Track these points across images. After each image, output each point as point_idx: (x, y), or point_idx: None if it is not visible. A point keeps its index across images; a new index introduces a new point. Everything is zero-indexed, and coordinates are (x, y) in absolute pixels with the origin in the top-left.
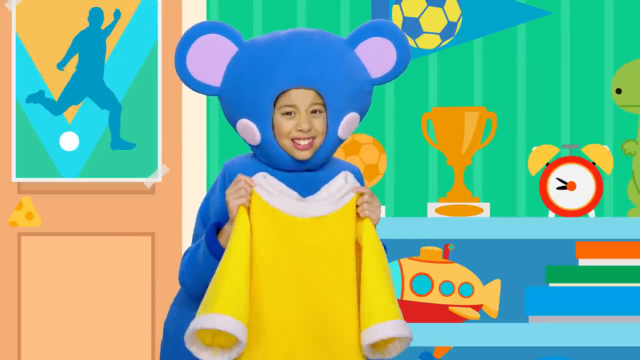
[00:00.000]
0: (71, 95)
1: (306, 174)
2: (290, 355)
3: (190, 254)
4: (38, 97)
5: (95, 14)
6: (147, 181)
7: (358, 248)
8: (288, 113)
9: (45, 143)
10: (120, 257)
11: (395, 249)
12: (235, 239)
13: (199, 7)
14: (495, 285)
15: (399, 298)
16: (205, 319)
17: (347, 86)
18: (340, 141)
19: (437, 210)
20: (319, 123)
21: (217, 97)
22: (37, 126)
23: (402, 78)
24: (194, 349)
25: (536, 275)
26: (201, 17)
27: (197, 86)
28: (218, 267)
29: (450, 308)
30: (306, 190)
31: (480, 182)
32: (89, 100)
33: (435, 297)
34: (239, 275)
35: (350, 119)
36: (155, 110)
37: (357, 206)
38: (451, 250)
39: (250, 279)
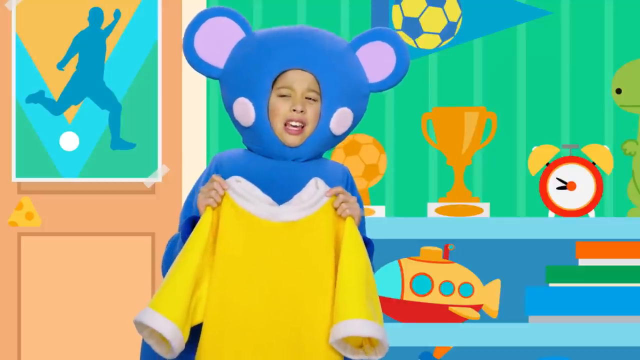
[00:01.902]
0: (71, 95)
1: (294, 164)
2: (259, 356)
3: (170, 245)
4: (38, 97)
5: (95, 14)
6: (147, 181)
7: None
8: (284, 95)
9: (45, 143)
10: (120, 257)
11: (395, 249)
12: (192, 240)
13: (199, 7)
14: (495, 285)
15: (399, 298)
16: (143, 312)
17: (344, 81)
18: (333, 136)
19: (437, 210)
20: (312, 110)
21: (218, 80)
22: (37, 126)
23: None
24: (144, 335)
25: (536, 275)
26: None
27: (201, 65)
28: (174, 264)
29: (450, 308)
30: (288, 182)
31: (480, 182)
32: (89, 100)
33: (435, 297)
34: (182, 277)
35: (343, 113)
36: (155, 110)
37: (336, 208)
38: (451, 250)
39: (212, 279)
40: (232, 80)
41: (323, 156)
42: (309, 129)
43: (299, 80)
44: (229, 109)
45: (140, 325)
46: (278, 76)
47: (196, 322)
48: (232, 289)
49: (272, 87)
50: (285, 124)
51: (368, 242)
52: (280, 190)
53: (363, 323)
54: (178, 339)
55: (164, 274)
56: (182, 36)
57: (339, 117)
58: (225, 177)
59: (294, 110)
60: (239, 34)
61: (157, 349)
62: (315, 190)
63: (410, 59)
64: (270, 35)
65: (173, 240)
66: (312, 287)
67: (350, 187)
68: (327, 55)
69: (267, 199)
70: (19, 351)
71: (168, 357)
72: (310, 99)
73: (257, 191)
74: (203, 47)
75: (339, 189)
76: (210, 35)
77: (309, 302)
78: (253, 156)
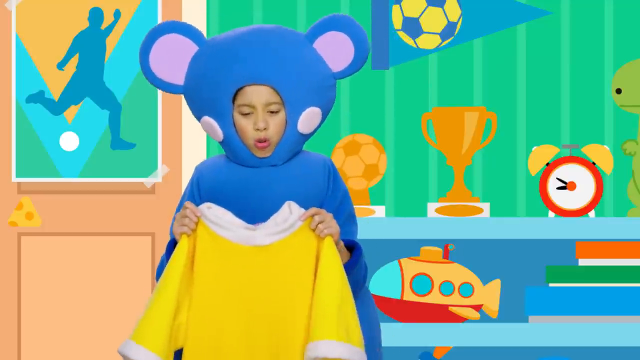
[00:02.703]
0: (71, 95)
1: (272, 169)
2: None
3: (160, 265)
4: (38, 97)
5: (95, 14)
6: (147, 181)
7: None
8: (246, 113)
9: (45, 143)
10: (120, 257)
11: (395, 249)
12: (169, 267)
13: (199, 7)
14: (495, 285)
15: (399, 298)
16: (124, 344)
17: (305, 80)
18: (303, 136)
19: (437, 210)
20: (275, 122)
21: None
22: (37, 126)
23: (402, 78)
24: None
25: (536, 275)
26: (201, 17)
27: (162, 85)
28: (156, 288)
29: (450, 308)
30: (267, 187)
31: (480, 182)
32: (89, 100)
33: (435, 297)
34: (162, 306)
35: (310, 114)
36: (155, 110)
37: (313, 230)
38: (451, 250)
39: (189, 306)
40: (193, 99)
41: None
42: (275, 140)
43: (257, 96)
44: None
45: (124, 357)
46: (237, 92)
47: (179, 346)
48: (209, 313)
49: (234, 104)
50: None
51: (355, 246)
52: (261, 197)
53: (330, 344)
54: None
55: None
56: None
57: (306, 117)
58: (207, 188)
59: (257, 129)
60: (191, 48)
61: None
62: (288, 214)
63: (410, 59)
64: (221, 47)
65: (161, 261)
66: (289, 310)
67: (332, 179)
68: (281, 63)
69: (241, 222)
70: (19, 351)
71: None
72: (272, 111)
73: (229, 215)
74: (159, 66)
75: (313, 210)
76: (163, 55)
77: (286, 324)
78: (231, 164)
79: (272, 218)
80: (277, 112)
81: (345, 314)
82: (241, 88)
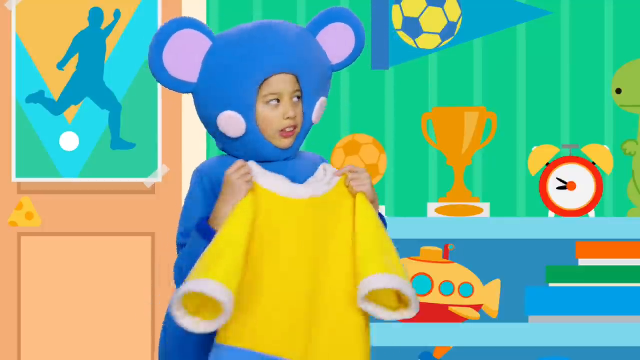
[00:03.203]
0: (71, 95)
1: (279, 164)
2: (292, 325)
3: (189, 256)
4: (38, 97)
5: (95, 14)
6: (147, 181)
7: None
8: (272, 102)
9: (45, 143)
10: (120, 257)
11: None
12: (237, 215)
13: (199, 7)
14: (495, 285)
15: None
16: (198, 282)
17: (318, 71)
18: (311, 126)
19: (437, 210)
20: (300, 111)
21: (191, 94)
22: (37, 126)
23: (402, 78)
24: (179, 315)
25: (536, 275)
26: (201, 17)
27: (174, 84)
28: (217, 238)
29: (450, 308)
30: (290, 179)
31: (480, 182)
32: (89, 100)
33: (435, 297)
34: (237, 247)
35: (322, 104)
36: (155, 110)
37: (347, 187)
38: (451, 250)
39: (249, 255)
40: (213, 94)
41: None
42: (299, 129)
43: (284, 85)
44: (210, 122)
45: (182, 301)
46: (261, 83)
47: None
48: (263, 261)
49: (257, 95)
50: (281, 130)
51: (382, 218)
52: None
53: (382, 277)
54: (230, 310)
55: (179, 284)
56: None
57: (319, 108)
58: (217, 186)
59: (288, 117)
60: (205, 43)
61: (185, 321)
62: (324, 173)
63: (410, 59)
64: (242, 39)
65: (189, 254)
66: (328, 259)
67: None
68: (302, 53)
69: (285, 179)
70: (19, 351)
71: (202, 329)
72: (295, 98)
73: (272, 173)
74: (173, 64)
75: (348, 167)
76: (178, 51)
77: (337, 270)
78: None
79: (311, 178)
80: (299, 100)
81: (389, 251)
82: (266, 79)
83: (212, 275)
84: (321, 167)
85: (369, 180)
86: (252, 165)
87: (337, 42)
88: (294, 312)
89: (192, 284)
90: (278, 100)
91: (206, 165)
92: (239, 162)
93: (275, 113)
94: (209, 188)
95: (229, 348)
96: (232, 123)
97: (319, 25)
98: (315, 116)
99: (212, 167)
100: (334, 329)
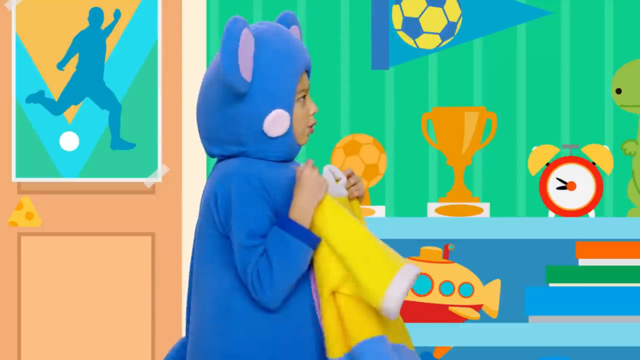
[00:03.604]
0: (71, 95)
1: (292, 163)
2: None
3: (276, 249)
4: (38, 97)
5: (95, 14)
6: (147, 181)
7: None
8: (301, 99)
9: (45, 143)
10: (120, 257)
11: (395, 249)
12: (347, 221)
13: (199, 7)
14: (495, 285)
15: None
16: (413, 266)
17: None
18: None
19: (437, 210)
20: None
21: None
22: (37, 126)
23: (402, 78)
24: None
25: (536, 275)
26: (201, 17)
27: (239, 83)
28: (362, 240)
29: (450, 308)
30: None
31: (480, 182)
32: (89, 100)
33: (435, 297)
34: (376, 244)
35: None
36: (155, 110)
37: (347, 189)
38: (451, 250)
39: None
40: (265, 93)
41: None
42: None
43: (306, 81)
44: (254, 122)
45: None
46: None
47: None
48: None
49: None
50: (309, 125)
51: None
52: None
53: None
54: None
55: (289, 276)
56: (224, 52)
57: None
58: (279, 187)
59: (314, 113)
60: (252, 41)
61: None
62: (331, 175)
63: (410, 59)
64: (280, 39)
65: (280, 254)
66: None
67: None
68: None
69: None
70: (19, 351)
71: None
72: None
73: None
74: (243, 62)
75: (350, 170)
76: (243, 50)
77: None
78: (267, 164)
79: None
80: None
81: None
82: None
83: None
84: (326, 168)
85: (363, 186)
86: (327, 170)
87: None
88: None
89: (413, 268)
90: (303, 97)
91: (245, 169)
92: (311, 161)
93: (304, 110)
94: (260, 188)
95: (377, 339)
96: (279, 121)
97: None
98: None
99: (254, 170)
100: None
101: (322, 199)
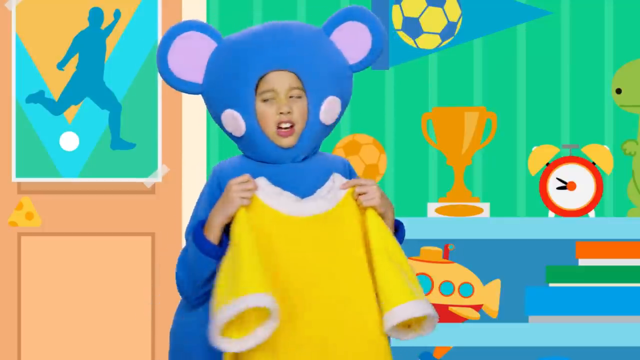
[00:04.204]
0: (71, 95)
1: (293, 165)
2: (322, 341)
3: (182, 256)
4: (38, 97)
5: (95, 14)
6: (147, 181)
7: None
8: (268, 99)
9: (45, 143)
10: (120, 257)
11: None
12: (241, 230)
13: (199, 7)
14: (495, 285)
15: None
16: (236, 302)
17: (325, 68)
18: (325, 127)
19: (437, 210)
20: (298, 107)
21: (201, 95)
22: (37, 126)
23: (402, 78)
24: (223, 345)
25: (536, 275)
26: (201, 17)
27: (180, 84)
28: (228, 258)
29: (450, 308)
30: (293, 183)
31: (480, 182)
32: (89, 100)
33: (435, 297)
34: (255, 258)
35: (331, 102)
36: (155, 110)
37: (356, 201)
38: (451, 250)
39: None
40: (214, 94)
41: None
42: (299, 127)
43: (280, 81)
44: (218, 121)
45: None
46: (259, 81)
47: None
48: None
49: (256, 93)
50: (277, 127)
51: (399, 226)
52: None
53: (408, 306)
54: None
55: (183, 288)
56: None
57: (328, 106)
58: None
59: (281, 112)
60: (210, 45)
61: (232, 346)
62: (332, 185)
63: (410, 59)
64: (242, 40)
65: (185, 250)
66: (350, 275)
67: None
68: (302, 50)
69: (291, 195)
70: (19, 351)
71: (251, 344)
72: (294, 96)
73: (280, 189)
74: (178, 65)
75: (354, 180)
76: (182, 53)
77: (349, 288)
78: (252, 163)
79: (318, 191)
80: (299, 98)
81: (407, 273)
82: (263, 76)
83: (245, 291)
84: (331, 177)
85: (378, 192)
86: (261, 181)
87: (352, 41)
88: (304, 329)
89: (232, 305)
90: (273, 98)
91: (224, 164)
92: (245, 176)
93: (271, 109)
94: (216, 189)
95: None
96: (232, 122)
97: (333, 23)
98: (324, 116)
99: (225, 169)
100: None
101: (236, 213)
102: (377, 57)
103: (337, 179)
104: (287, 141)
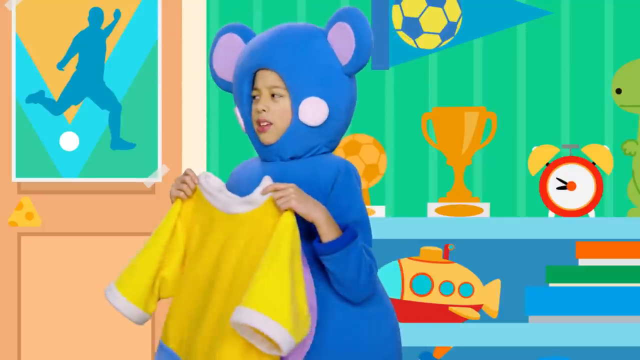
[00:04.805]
0: (71, 95)
1: (282, 164)
2: (190, 333)
3: None
4: (38, 97)
5: (95, 14)
6: (147, 181)
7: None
8: (255, 97)
9: (45, 143)
10: (121, 257)
11: (395, 249)
12: (160, 227)
13: (199, 7)
14: (495, 285)
15: (399, 298)
16: (109, 288)
17: (310, 70)
18: (309, 128)
19: (437, 210)
20: (278, 106)
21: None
22: (37, 126)
23: (402, 78)
24: (109, 293)
25: (536, 275)
26: (201, 17)
27: (222, 84)
28: (146, 242)
29: (450, 308)
30: (280, 181)
31: (480, 182)
32: (89, 100)
33: (435, 297)
34: (145, 260)
35: (312, 103)
36: (155, 110)
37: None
38: (451, 250)
39: (178, 264)
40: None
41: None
42: (280, 126)
43: (262, 80)
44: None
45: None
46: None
47: (161, 297)
48: (188, 272)
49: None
50: (258, 123)
51: (351, 234)
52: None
53: (251, 314)
54: (136, 316)
55: None
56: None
57: (308, 107)
58: (231, 181)
59: (257, 110)
60: (241, 46)
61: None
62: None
63: (410, 59)
64: (250, 43)
65: None
66: (243, 278)
67: (340, 183)
68: (284, 50)
69: (229, 193)
70: (19, 351)
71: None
72: (276, 95)
73: (222, 187)
74: (219, 66)
75: (272, 185)
76: (221, 54)
77: (237, 291)
78: (257, 161)
79: (252, 192)
80: (280, 97)
81: (279, 284)
82: (255, 77)
83: (120, 287)
84: (263, 180)
85: (296, 195)
86: (202, 177)
87: (341, 42)
88: (192, 319)
89: (108, 288)
90: (259, 95)
91: (241, 164)
92: (186, 170)
93: (255, 107)
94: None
95: (162, 346)
96: (238, 119)
97: (329, 25)
98: (303, 116)
99: (237, 167)
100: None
101: (172, 205)
102: (363, 57)
103: (264, 182)
104: (264, 137)
